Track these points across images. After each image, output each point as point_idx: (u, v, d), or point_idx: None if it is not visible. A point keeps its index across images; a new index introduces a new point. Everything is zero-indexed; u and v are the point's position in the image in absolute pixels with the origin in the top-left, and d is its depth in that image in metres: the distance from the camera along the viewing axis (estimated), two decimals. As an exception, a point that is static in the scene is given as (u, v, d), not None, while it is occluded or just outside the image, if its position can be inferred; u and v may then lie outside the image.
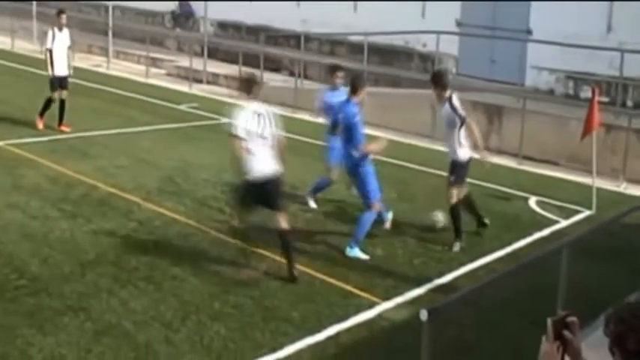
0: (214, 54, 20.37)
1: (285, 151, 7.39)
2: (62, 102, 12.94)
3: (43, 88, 13.15)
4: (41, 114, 12.94)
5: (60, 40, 12.94)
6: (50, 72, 12.84)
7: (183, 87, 18.57)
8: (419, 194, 10.38)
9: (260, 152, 7.05)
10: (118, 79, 19.36)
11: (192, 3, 23.92)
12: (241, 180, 7.21)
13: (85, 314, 6.34)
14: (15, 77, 18.54)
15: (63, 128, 12.94)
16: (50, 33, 12.91)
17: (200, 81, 19.09)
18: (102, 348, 5.85)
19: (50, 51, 12.81)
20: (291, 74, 17.85)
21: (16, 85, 17.41)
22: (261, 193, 7.10)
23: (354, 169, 8.03)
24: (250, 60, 18.35)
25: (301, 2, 19.64)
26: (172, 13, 24.55)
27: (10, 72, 19.41)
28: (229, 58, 19.74)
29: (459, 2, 16.87)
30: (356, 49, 17.42)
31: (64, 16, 13.17)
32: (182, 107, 16.13)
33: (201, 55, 19.67)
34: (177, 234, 8.42)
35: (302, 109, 15.94)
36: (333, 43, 19.64)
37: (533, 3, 15.54)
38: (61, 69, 12.93)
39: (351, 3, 18.76)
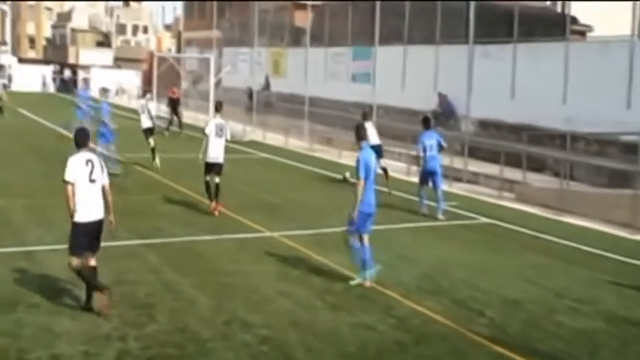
0: (474, 153, 20.40)
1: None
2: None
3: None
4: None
5: None
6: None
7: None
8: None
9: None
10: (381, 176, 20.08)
11: (453, 102, 24.36)
12: None
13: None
14: (289, 173, 20.09)
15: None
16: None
17: (460, 180, 19.14)
18: None
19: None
20: (556, 175, 17.19)
21: (288, 179, 18.84)
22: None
23: None
24: (512, 159, 18.07)
25: (567, 100, 19.06)
26: (433, 112, 25.18)
27: (283, 167, 21.13)
28: (490, 157, 19.62)
29: None
30: (629, 149, 16.33)
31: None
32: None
33: (462, 153, 19.80)
34: (435, 334, 8.28)
35: (567, 211, 15.20)
36: (602, 143, 18.67)
37: None
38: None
39: (624, 99, 17.79)
